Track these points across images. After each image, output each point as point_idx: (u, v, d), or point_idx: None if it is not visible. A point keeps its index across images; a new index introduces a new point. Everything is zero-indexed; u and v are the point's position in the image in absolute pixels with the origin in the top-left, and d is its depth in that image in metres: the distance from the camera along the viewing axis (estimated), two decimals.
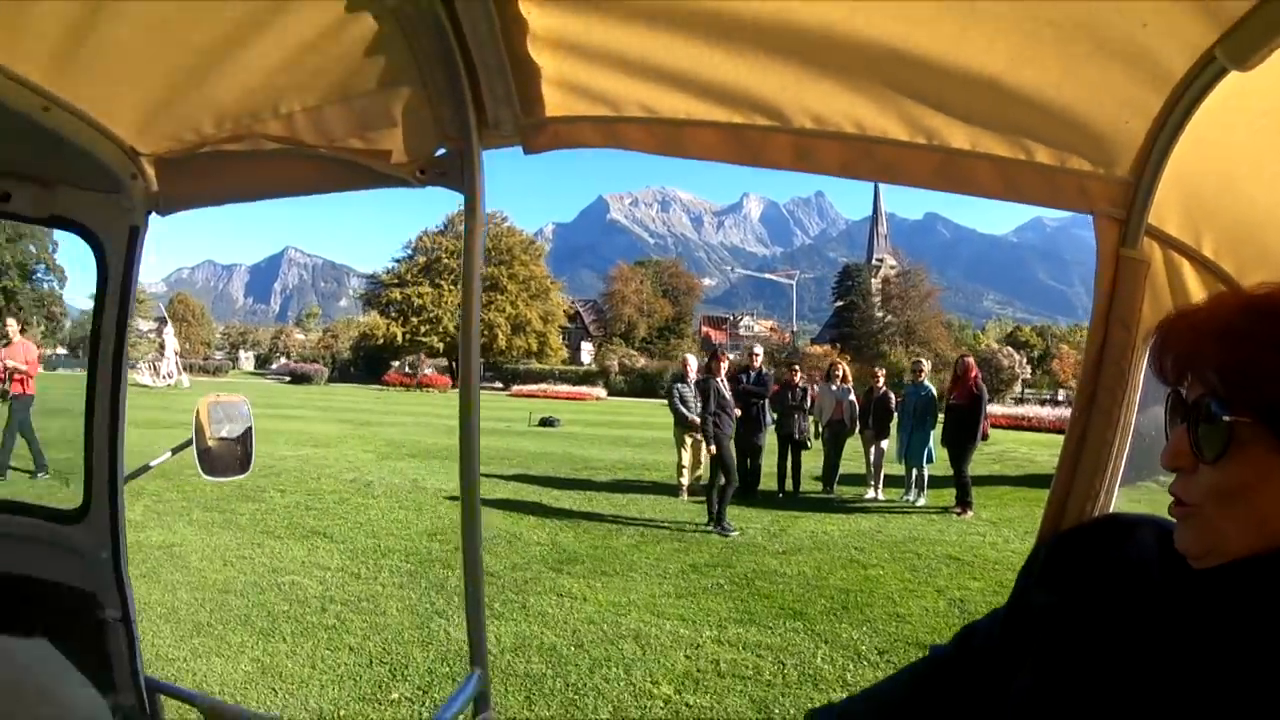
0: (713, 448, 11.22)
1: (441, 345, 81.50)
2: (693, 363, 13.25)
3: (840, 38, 1.40)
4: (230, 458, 2.84)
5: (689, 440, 13.13)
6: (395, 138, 1.83)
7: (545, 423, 29.14)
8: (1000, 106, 1.49)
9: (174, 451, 2.96)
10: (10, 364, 13.02)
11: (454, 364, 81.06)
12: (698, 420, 12.46)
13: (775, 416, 14.55)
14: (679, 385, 12.88)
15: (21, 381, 12.90)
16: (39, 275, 78.66)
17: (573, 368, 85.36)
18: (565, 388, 62.82)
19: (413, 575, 8.23)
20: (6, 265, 62.36)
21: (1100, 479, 1.59)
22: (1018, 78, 1.41)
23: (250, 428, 2.94)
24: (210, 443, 2.83)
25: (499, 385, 74.33)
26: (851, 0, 1.33)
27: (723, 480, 11.09)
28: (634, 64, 1.58)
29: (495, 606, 7.08)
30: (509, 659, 6.03)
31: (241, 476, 2.90)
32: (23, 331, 14.09)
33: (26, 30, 1.55)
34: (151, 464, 2.90)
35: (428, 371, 70.01)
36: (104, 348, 2.48)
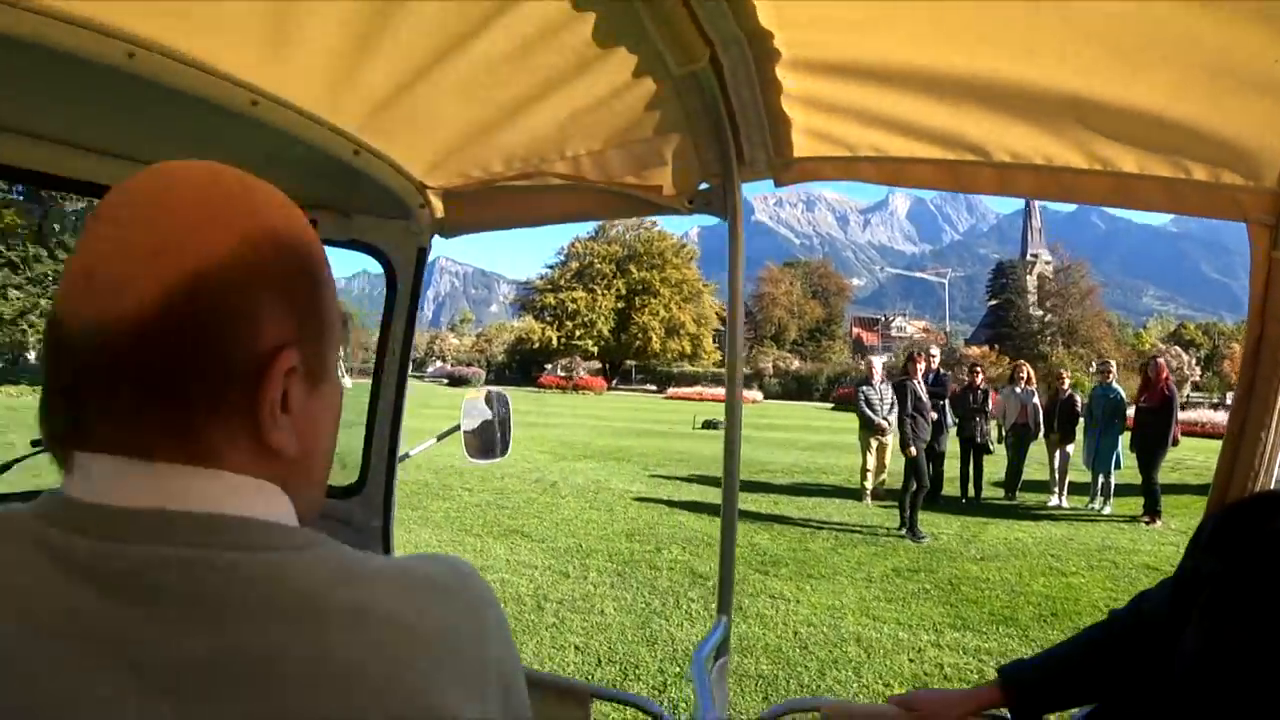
0: (911, 450, 10.94)
1: (596, 349, 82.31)
2: (877, 365, 12.99)
3: (1032, 88, 1.72)
4: (489, 443, 3.11)
5: (874, 444, 12.86)
6: (666, 175, 2.21)
7: (709, 425, 28.68)
8: (1162, 134, 1.78)
9: (439, 438, 3.27)
10: None
11: (607, 366, 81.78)
12: (885, 424, 12.24)
13: (956, 419, 14.13)
14: (864, 388, 12.68)
15: None
16: None
17: (725, 370, 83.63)
18: (720, 390, 61.53)
19: (621, 575, 8.33)
20: None
21: (1260, 460, 1.82)
22: (1175, 110, 1.69)
23: (490, 420, 3.17)
24: (469, 431, 3.12)
25: (653, 388, 74.62)
26: (1042, 59, 1.63)
27: (914, 485, 10.80)
28: (867, 114, 1.95)
29: (713, 607, 6.98)
30: (738, 659, 6.02)
31: (500, 459, 3.17)
32: None
33: (353, 90, 1.93)
34: (411, 452, 3.10)
35: (582, 374, 70.77)
36: (392, 350, 2.82)
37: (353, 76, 1.87)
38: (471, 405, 3.17)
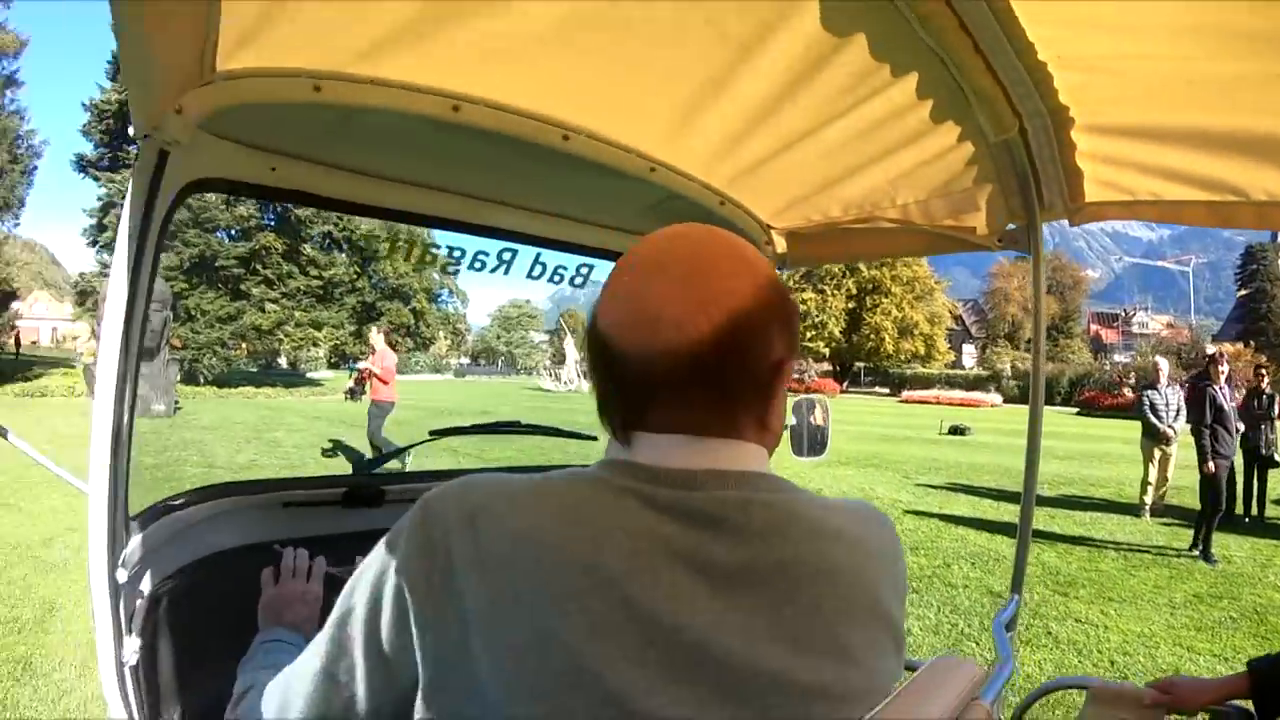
0: (1210, 466, 10.06)
1: (827, 350, 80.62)
2: (1164, 367, 12.00)
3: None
4: (812, 442, 3.32)
5: (1157, 454, 11.98)
6: (979, 218, 2.58)
7: (955, 430, 27.89)
8: None
9: None
10: (362, 365, 15.05)
11: (837, 368, 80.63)
12: (1170, 433, 11.58)
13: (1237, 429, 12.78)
14: (1149, 392, 11.84)
15: (381, 388, 14.13)
16: (443, 299, 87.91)
17: (959, 371, 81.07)
18: (957, 393, 58.99)
19: (918, 593, 8.20)
20: (415, 290, 70.60)
21: None
22: None
23: (798, 423, 3.35)
24: (795, 430, 3.32)
25: (884, 390, 72.95)
26: None
27: (1211, 504, 9.99)
28: (1146, 166, 2.31)
29: (1022, 632, 6.88)
30: (1061, 692, 5.80)
31: (820, 458, 3.35)
32: (394, 347, 15.88)
33: (729, 159, 2.57)
34: None
35: (814, 377, 70.04)
36: None
37: (732, 149, 2.50)
38: (795, 406, 3.36)
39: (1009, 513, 12.50)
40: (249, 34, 1.66)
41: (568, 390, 57.98)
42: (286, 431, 21.86)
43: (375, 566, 1.08)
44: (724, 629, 0.95)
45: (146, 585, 2.05)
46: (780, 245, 3.13)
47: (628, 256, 1.13)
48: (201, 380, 41.00)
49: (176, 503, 2.31)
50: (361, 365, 15.27)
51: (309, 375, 61.57)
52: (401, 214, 2.64)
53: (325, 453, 16.73)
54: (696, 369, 1.02)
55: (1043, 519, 12.09)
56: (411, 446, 3.03)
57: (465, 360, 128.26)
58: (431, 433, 3.09)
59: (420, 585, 1.00)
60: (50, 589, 7.25)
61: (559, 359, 75.58)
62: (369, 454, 14.19)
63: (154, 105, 1.70)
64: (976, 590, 8.23)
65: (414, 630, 1.00)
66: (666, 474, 1.03)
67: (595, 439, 3.47)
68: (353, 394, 27.36)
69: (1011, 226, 2.64)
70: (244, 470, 14.71)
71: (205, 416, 25.49)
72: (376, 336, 14.97)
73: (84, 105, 44.41)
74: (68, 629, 6.36)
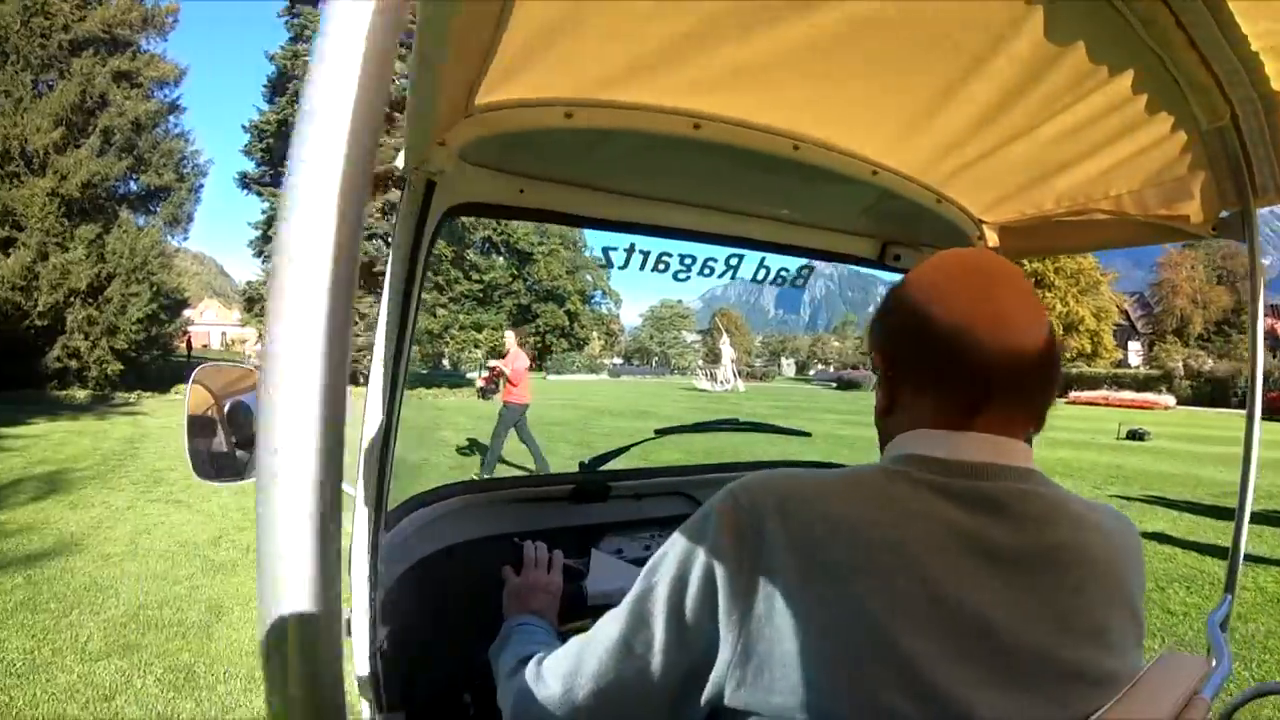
0: None
1: None
2: None
3: None
4: None
5: None
6: (1193, 206, 2.52)
7: (1133, 435, 26.36)
8: None
9: None
10: (493, 364, 15.09)
11: None
12: None
13: None
14: None
15: (512, 389, 14.06)
16: (596, 300, 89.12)
17: (1126, 371, 76.35)
18: (1127, 394, 55.71)
19: None
20: (569, 292, 71.59)
21: None
22: None
23: None
24: None
25: None
26: None
27: None
28: None
29: (1254, 669, 6.40)
30: (1270, 699, 5.37)
31: None
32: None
33: (949, 158, 2.53)
34: None
35: None
36: None
37: (950, 150, 2.48)
38: None
39: (1210, 529, 11.77)
40: (508, 70, 1.79)
41: (724, 391, 57.82)
42: (453, 431, 22.27)
43: (679, 549, 1.19)
44: (1000, 605, 1.06)
45: (395, 574, 2.26)
46: (992, 239, 3.15)
47: (954, 263, 1.29)
48: None
49: (422, 499, 2.63)
50: (493, 364, 15.45)
51: (468, 375, 63.51)
52: (641, 226, 2.77)
53: (460, 450, 17.49)
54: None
55: (1250, 538, 11.26)
56: (636, 444, 3.20)
57: (618, 360, 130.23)
58: (657, 431, 3.35)
59: (730, 564, 1.11)
60: (217, 590, 7.39)
61: (713, 358, 75.66)
62: (489, 451, 14.43)
63: (425, 141, 1.87)
64: (1198, 619, 7.58)
65: (721, 605, 1.11)
66: (958, 466, 1.16)
67: (809, 435, 3.49)
68: (484, 393, 27.53)
69: (1226, 214, 2.61)
70: (416, 469, 14.77)
71: None
72: (510, 337, 15.00)
73: (244, 127, 47.27)
74: (233, 636, 6.27)
